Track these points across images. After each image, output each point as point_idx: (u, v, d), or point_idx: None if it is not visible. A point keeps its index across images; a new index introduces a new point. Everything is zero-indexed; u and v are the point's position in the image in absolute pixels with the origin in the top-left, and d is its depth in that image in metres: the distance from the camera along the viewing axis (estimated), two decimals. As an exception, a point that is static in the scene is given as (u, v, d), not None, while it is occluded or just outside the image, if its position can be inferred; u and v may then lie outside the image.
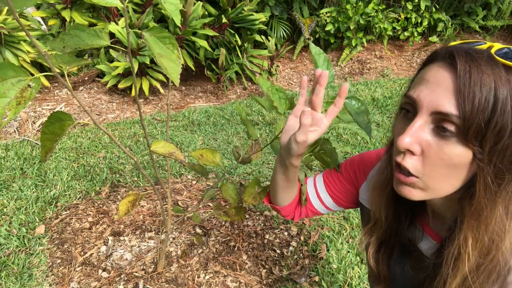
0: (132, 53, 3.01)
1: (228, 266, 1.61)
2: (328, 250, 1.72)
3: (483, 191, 0.50)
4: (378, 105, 3.44)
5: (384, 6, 4.47)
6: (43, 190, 2.03)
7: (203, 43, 3.24)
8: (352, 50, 4.58)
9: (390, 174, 0.64)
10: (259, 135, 2.84)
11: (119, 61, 3.23)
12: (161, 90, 3.45)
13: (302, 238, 1.80)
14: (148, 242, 1.71)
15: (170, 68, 0.70)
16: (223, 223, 1.86)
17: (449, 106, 0.47)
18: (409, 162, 0.52)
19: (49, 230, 1.78)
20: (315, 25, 4.47)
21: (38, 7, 3.41)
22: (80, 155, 2.44)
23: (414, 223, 0.68)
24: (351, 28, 4.38)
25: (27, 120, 2.88)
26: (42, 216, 1.85)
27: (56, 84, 3.45)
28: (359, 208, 0.84)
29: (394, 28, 4.61)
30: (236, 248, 1.71)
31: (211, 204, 2.00)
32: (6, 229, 1.74)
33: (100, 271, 1.56)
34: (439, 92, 0.49)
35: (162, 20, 3.46)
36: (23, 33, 2.95)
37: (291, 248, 1.74)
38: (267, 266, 1.63)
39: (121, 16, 3.40)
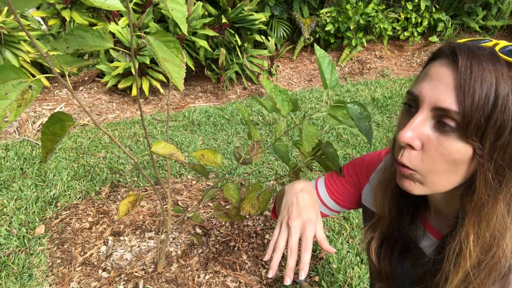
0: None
1: (228, 266, 1.61)
2: (328, 250, 1.72)
3: (484, 187, 0.51)
4: (378, 105, 3.44)
5: (384, 6, 4.47)
6: (43, 190, 2.03)
7: (203, 43, 3.24)
8: (352, 50, 4.58)
9: (394, 169, 0.65)
10: (260, 135, 2.84)
11: (119, 61, 3.23)
12: (161, 90, 3.45)
13: (302, 238, 1.80)
14: (148, 242, 1.71)
15: (174, 72, 0.69)
16: (223, 223, 1.86)
17: (449, 102, 0.48)
18: (406, 157, 0.53)
19: (49, 230, 1.78)
20: (315, 25, 4.47)
21: (38, 7, 3.41)
22: (80, 155, 2.44)
23: (415, 220, 0.69)
24: (351, 28, 4.38)
25: (27, 120, 2.88)
26: (42, 216, 1.85)
27: (56, 84, 3.45)
28: (360, 209, 0.84)
29: (394, 28, 4.61)
30: (236, 248, 1.71)
31: (211, 204, 2.00)
32: (6, 229, 1.74)
33: (100, 271, 1.56)
34: (440, 88, 0.49)
35: (162, 20, 3.46)
36: (23, 33, 2.95)
37: (291, 248, 1.74)
38: (267, 266, 1.63)
39: (121, 16, 3.39)
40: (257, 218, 1.92)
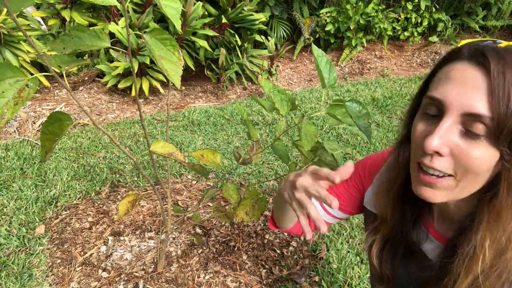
0: (132, 53, 3.01)
1: (228, 266, 1.61)
2: (328, 250, 1.72)
3: (507, 191, 0.50)
4: (378, 105, 3.44)
5: (384, 6, 4.47)
6: (43, 190, 2.03)
7: (203, 43, 3.24)
8: (352, 50, 4.58)
9: (397, 172, 0.64)
10: (259, 135, 2.84)
11: (119, 61, 3.23)
12: (161, 90, 3.45)
13: (302, 238, 1.80)
14: (148, 242, 1.71)
15: (171, 70, 0.69)
16: (223, 223, 1.86)
17: (482, 107, 0.46)
18: (438, 164, 0.51)
19: (49, 230, 1.77)
20: (315, 25, 4.47)
21: (38, 7, 3.41)
22: (80, 155, 2.44)
23: (419, 223, 0.68)
24: (351, 28, 4.38)
25: (27, 120, 2.88)
26: (42, 216, 1.85)
27: (56, 84, 3.45)
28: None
29: (394, 28, 4.61)
30: (236, 248, 1.71)
31: (211, 204, 2.00)
32: (6, 229, 1.74)
33: (100, 271, 1.56)
34: (469, 92, 0.47)
35: (162, 20, 3.46)
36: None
37: (291, 248, 1.74)
38: (267, 266, 1.63)
39: (121, 16, 3.39)
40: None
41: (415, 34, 4.67)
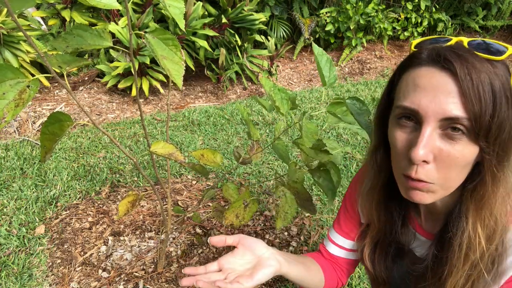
0: (133, 53, 3.01)
1: (228, 266, 1.60)
2: (328, 250, 1.72)
3: (491, 179, 0.52)
4: (378, 105, 3.44)
5: (384, 6, 4.47)
6: (43, 190, 2.03)
7: (203, 43, 3.23)
8: (352, 50, 4.58)
9: (377, 177, 0.66)
10: (259, 135, 2.84)
11: (119, 61, 3.23)
12: (161, 90, 3.45)
13: (302, 238, 1.80)
14: (148, 242, 1.71)
15: (173, 70, 0.69)
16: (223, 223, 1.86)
17: (457, 110, 0.48)
18: (422, 173, 0.52)
19: (49, 230, 1.77)
20: (315, 25, 4.47)
21: (38, 7, 3.41)
22: (80, 155, 2.44)
23: (406, 223, 0.70)
24: (351, 28, 4.38)
25: (27, 120, 2.88)
26: (42, 216, 1.85)
27: (56, 84, 3.45)
28: None
29: (394, 28, 4.61)
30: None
31: (211, 204, 2.00)
32: (6, 229, 1.74)
33: (100, 271, 1.56)
34: (442, 98, 0.48)
35: (162, 20, 3.46)
36: (22, 33, 2.94)
37: (291, 248, 1.74)
38: (267, 266, 1.62)
39: (121, 16, 3.39)
40: (257, 218, 1.92)
41: (415, 34, 4.67)
